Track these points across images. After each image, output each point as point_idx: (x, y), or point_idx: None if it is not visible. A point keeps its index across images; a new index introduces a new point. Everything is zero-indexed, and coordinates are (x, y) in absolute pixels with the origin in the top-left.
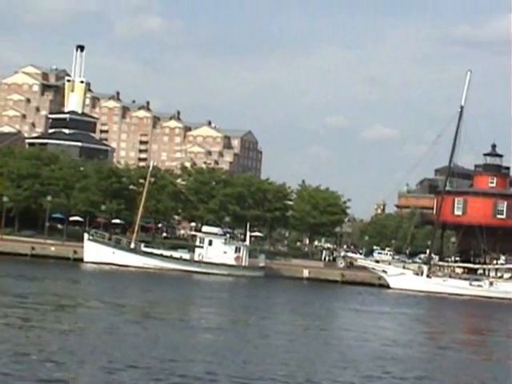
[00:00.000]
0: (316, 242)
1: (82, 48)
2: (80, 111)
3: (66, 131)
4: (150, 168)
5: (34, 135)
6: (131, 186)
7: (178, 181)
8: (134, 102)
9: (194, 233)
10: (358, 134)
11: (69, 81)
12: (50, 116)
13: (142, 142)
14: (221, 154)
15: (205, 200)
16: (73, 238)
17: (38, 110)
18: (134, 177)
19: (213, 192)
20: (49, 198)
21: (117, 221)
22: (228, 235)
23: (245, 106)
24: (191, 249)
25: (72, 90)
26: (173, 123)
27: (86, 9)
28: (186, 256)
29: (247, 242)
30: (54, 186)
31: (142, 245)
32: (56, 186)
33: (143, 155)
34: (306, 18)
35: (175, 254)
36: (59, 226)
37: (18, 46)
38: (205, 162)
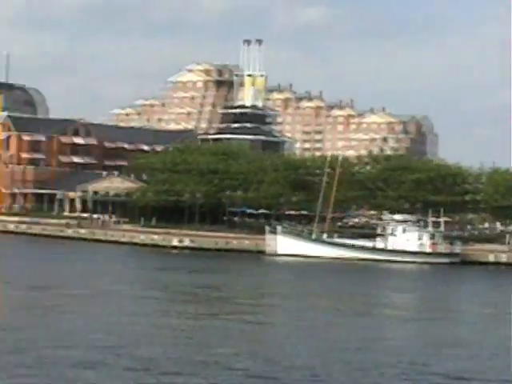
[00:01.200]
0: (498, 225)
1: (259, 42)
2: (256, 104)
3: (242, 125)
4: (340, 158)
5: (212, 131)
6: (312, 177)
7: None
8: (306, 92)
9: (386, 221)
10: None
11: (249, 75)
12: (224, 111)
13: (315, 132)
14: (396, 140)
15: (394, 187)
16: (254, 230)
17: (206, 105)
18: (319, 168)
19: (401, 178)
20: (234, 192)
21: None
22: (422, 222)
23: (415, 89)
24: (384, 237)
25: (248, 84)
26: (346, 111)
27: (247, 3)
28: (380, 245)
29: (442, 229)
30: (237, 180)
31: (335, 235)
32: (239, 180)
33: (318, 145)
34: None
35: (368, 244)
36: (236, 219)
37: (183, 44)
38: (381, 150)
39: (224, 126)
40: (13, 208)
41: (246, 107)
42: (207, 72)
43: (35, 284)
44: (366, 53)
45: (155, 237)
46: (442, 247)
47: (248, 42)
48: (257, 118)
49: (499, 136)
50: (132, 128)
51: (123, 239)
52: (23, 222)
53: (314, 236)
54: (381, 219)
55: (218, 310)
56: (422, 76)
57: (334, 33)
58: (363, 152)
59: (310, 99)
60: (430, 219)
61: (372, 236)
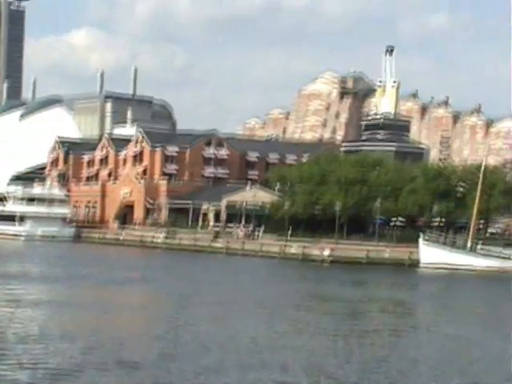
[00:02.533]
0: None
1: (391, 49)
2: (393, 113)
3: (380, 135)
4: (483, 167)
5: (350, 140)
6: (458, 187)
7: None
8: (432, 99)
9: None
10: None
11: (380, 84)
12: (363, 121)
13: (442, 140)
14: None
15: None
16: (403, 241)
17: (337, 115)
18: (462, 176)
19: None
20: (378, 203)
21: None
22: None
23: None
24: None
25: (384, 93)
26: (474, 118)
27: (368, 13)
28: None
29: None
30: (381, 190)
31: (479, 245)
32: (384, 190)
33: (445, 153)
34: None
35: None
36: (382, 230)
37: (308, 54)
38: None
39: (366, 135)
40: (146, 221)
41: (387, 117)
42: (340, 81)
43: None
44: (488, 58)
45: (305, 249)
46: None
47: (391, 50)
48: (396, 128)
49: None
50: (269, 140)
51: (275, 252)
52: (171, 236)
53: (467, 246)
54: None
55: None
56: None
57: (458, 38)
58: (494, 159)
59: (437, 106)
60: None
61: None
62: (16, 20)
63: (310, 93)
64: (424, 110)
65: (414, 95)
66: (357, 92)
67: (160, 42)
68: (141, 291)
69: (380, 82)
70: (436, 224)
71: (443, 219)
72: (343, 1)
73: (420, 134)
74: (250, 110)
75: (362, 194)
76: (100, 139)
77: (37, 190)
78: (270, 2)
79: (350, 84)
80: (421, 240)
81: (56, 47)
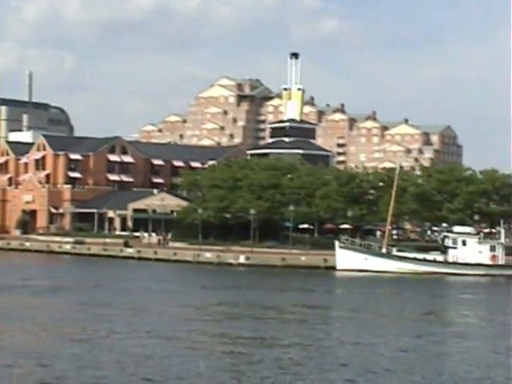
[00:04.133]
0: None
1: (296, 55)
2: (298, 119)
3: (287, 139)
4: (397, 171)
5: (260, 144)
6: (365, 190)
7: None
8: (328, 105)
9: (445, 234)
10: None
11: (285, 89)
12: (270, 126)
13: (339, 145)
14: (420, 151)
15: (448, 199)
16: (316, 245)
17: (235, 121)
18: (374, 181)
19: (456, 191)
20: (291, 207)
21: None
22: (482, 234)
23: (435, 100)
24: (443, 250)
25: (289, 98)
26: (369, 123)
27: (262, 16)
28: (440, 258)
29: (502, 240)
30: (294, 195)
31: (394, 249)
32: (297, 194)
33: (341, 158)
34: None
35: (429, 257)
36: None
37: (200, 59)
38: (416, 161)
39: (272, 140)
40: (50, 228)
41: (294, 121)
42: (237, 87)
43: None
44: (380, 64)
45: (221, 254)
46: (503, 259)
47: (295, 55)
48: (302, 132)
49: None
50: (172, 144)
51: (189, 258)
52: (79, 243)
53: (383, 250)
54: (431, 231)
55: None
56: (440, 86)
57: (351, 45)
58: (388, 164)
59: (333, 112)
60: (499, 231)
61: (431, 249)
62: None
63: (207, 98)
64: (320, 115)
65: (311, 101)
66: (254, 97)
67: (49, 46)
68: (57, 301)
69: (285, 88)
70: (343, 228)
71: (350, 224)
72: (235, 6)
73: (317, 139)
74: (142, 115)
75: (275, 199)
76: None
77: None
78: (160, 5)
79: (246, 89)
80: (337, 245)
81: None
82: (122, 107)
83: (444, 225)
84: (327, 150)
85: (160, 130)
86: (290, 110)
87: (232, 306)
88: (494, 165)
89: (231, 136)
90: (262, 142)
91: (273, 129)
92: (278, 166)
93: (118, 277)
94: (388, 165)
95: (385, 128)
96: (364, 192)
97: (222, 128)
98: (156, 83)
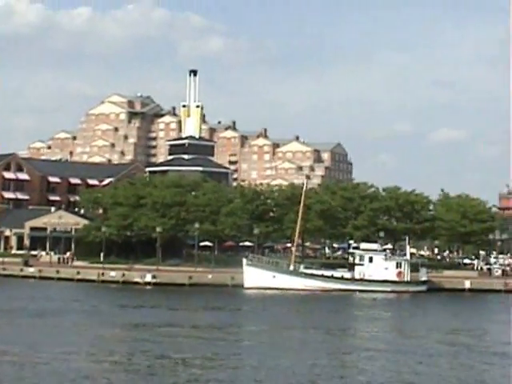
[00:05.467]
0: (455, 253)
1: (194, 72)
2: (197, 136)
3: (186, 156)
4: (304, 187)
5: (159, 162)
6: (270, 207)
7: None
8: (219, 122)
9: (352, 250)
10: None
11: (184, 106)
12: (169, 143)
13: (231, 162)
14: (312, 169)
15: (352, 216)
16: (221, 263)
17: (126, 137)
18: (278, 198)
19: (360, 208)
20: (197, 225)
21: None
22: (388, 251)
23: (325, 118)
24: (350, 267)
25: (188, 115)
26: (261, 141)
27: (150, 33)
28: (347, 275)
29: (408, 257)
30: (199, 212)
31: (302, 266)
32: (202, 212)
33: (233, 175)
34: (363, 24)
35: (336, 274)
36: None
37: (88, 77)
38: (308, 178)
39: (171, 157)
40: None
41: (193, 138)
42: (128, 104)
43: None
44: (267, 82)
45: (126, 273)
46: (408, 276)
47: (194, 72)
48: (201, 149)
49: (398, 162)
50: (68, 162)
51: (93, 277)
52: None
53: (291, 267)
54: (335, 249)
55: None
56: (328, 105)
57: (237, 63)
58: (280, 182)
59: (225, 129)
60: (407, 248)
61: (338, 266)
62: None
63: (97, 115)
64: (212, 132)
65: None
66: (145, 114)
67: None
68: None
69: (184, 105)
70: (243, 245)
71: (255, 241)
72: (123, 23)
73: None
74: (28, 132)
75: (179, 217)
76: None
77: None
78: (46, 20)
79: (137, 107)
80: (244, 262)
81: None
82: (6, 123)
83: (351, 242)
84: (226, 168)
85: (49, 147)
86: (189, 127)
87: (142, 326)
88: (381, 182)
89: (122, 153)
90: (153, 159)
91: (171, 146)
92: (182, 183)
93: (25, 297)
94: (280, 182)
95: (276, 145)
96: (269, 209)
97: (113, 145)
98: (42, 99)
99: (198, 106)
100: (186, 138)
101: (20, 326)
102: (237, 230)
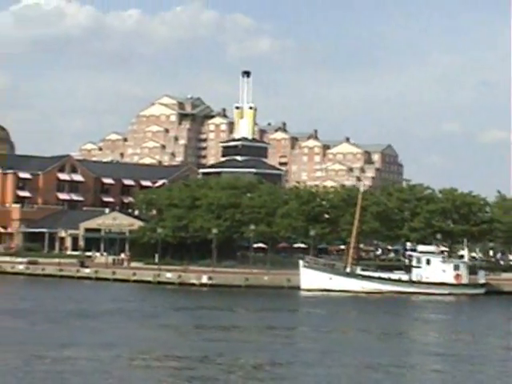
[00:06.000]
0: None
1: (247, 74)
2: (251, 137)
3: (239, 158)
4: (361, 189)
5: (209, 163)
6: (326, 209)
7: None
8: (269, 124)
9: (409, 253)
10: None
11: (238, 108)
12: (222, 144)
13: (281, 164)
14: (362, 170)
15: (408, 218)
16: (276, 264)
17: (176, 139)
18: (333, 199)
19: (416, 209)
20: (252, 226)
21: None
22: (445, 253)
23: (375, 119)
24: (407, 269)
25: (241, 117)
26: (311, 142)
27: (198, 35)
28: (404, 277)
29: (466, 259)
30: (254, 214)
31: (358, 268)
32: (257, 213)
33: (293, 176)
34: (412, 25)
35: (393, 276)
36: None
37: (137, 78)
38: (358, 179)
39: (224, 159)
40: None
41: (246, 140)
42: (178, 106)
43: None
44: (317, 83)
45: (182, 274)
46: (467, 278)
47: (247, 73)
48: (255, 151)
49: (448, 163)
50: (121, 163)
51: (149, 278)
52: (34, 263)
53: (348, 269)
54: (387, 250)
55: None
56: (377, 106)
57: (285, 64)
58: (330, 183)
59: (275, 131)
60: (465, 250)
61: (394, 268)
62: None
63: (148, 117)
64: (262, 134)
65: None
66: (195, 116)
67: None
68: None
69: (237, 106)
70: (296, 247)
71: (311, 243)
72: (172, 25)
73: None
74: (80, 133)
75: (234, 219)
76: None
77: None
78: (97, 23)
79: (188, 108)
80: (301, 264)
81: None
82: (57, 125)
83: (408, 243)
84: (279, 169)
85: (100, 149)
86: (242, 128)
87: (203, 327)
88: (431, 183)
89: (172, 154)
90: (203, 161)
91: (224, 147)
92: (237, 184)
93: (85, 299)
94: (330, 183)
95: (326, 147)
96: (324, 211)
97: (164, 147)
98: (92, 101)
99: (251, 108)
100: (239, 139)
101: (81, 327)
102: (292, 232)
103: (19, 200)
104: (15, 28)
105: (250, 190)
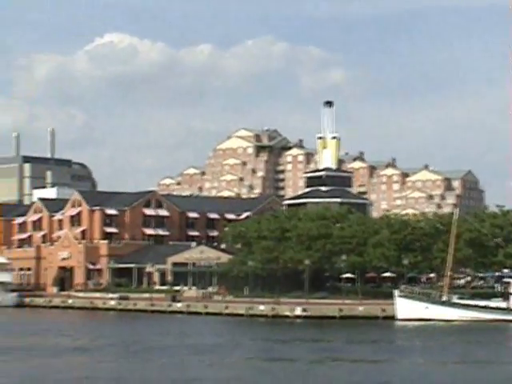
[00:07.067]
0: None
1: (329, 103)
2: (334, 167)
3: (324, 188)
4: (456, 216)
5: (288, 194)
6: (418, 237)
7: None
8: (347, 153)
9: (507, 279)
10: None
11: (321, 138)
12: (306, 175)
13: (360, 193)
14: (442, 197)
15: (502, 245)
16: (367, 295)
17: (254, 171)
18: (425, 227)
19: (510, 235)
20: (344, 257)
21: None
22: None
23: (451, 145)
24: (505, 297)
25: (324, 147)
26: (390, 171)
27: (270, 68)
28: (503, 305)
29: None
30: (345, 244)
31: (454, 297)
32: (348, 244)
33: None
34: (483, 50)
35: (491, 304)
36: (343, 284)
37: (209, 112)
38: (439, 207)
39: (308, 189)
40: (88, 284)
41: (330, 170)
42: (255, 138)
43: None
44: (389, 111)
45: (276, 306)
46: None
47: (329, 103)
48: (338, 181)
49: None
50: (204, 197)
51: (241, 311)
52: (125, 298)
53: (444, 298)
54: (478, 278)
55: None
56: (454, 131)
57: (355, 93)
58: (410, 211)
59: (353, 160)
60: None
61: (490, 296)
62: None
63: (224, 150)
64: (340, 163)
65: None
66: (272, 148)
67: (58, 103)
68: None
69: (320, 137)
70: (385, 276)
71: (405, 271)
72: (243, 57)
73: None
74: (152, 169)
75: (324, 249)
76: (20, 202)
77: None
78: (169, 59)
79: (264, 140)
80: (396, 294)
81: None
82: (131, 161)
83: (505, 270)
84: (365, 198)
85: (178, 183)
86: (326, 158)
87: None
88: None
89: (251, 187)
90: (282, 192)
91: (308, 178)
92: (327, 215)
93: (188, 333)
94: (410, 211)
95: (405, 175)
96: (416, 239)
97: (241, 179)
98: (164, 136)
99: (334, 138)
100: (323, 169)
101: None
102: (384, 261)
103: (106, 236)
104: (89, 67)
105: (339, 220)
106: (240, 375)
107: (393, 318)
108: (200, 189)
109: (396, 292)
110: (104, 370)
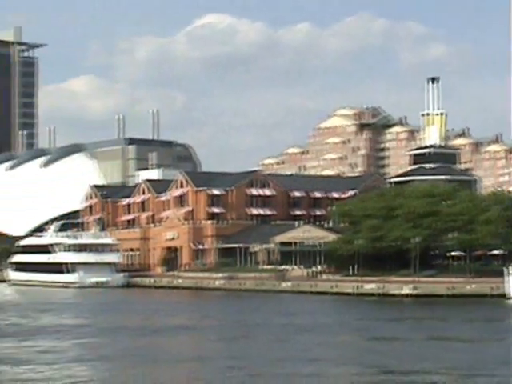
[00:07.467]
0: None
1: (434, 80)
2: (440, 144)
3: (429, 166)
4: None
5: (392, 172)
6: None
7: None
8: (452, 129)
9: None
10: None
11: (426, 114)
12: (412, 152)
13: (465, 170)
14: None
15: None
16: (477, 273)
17: (356, 149)
18: None
19: None
20: (453, 234)
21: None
22: None
23: None
24: None
25: (430, 124)
26: (495, 147)
27: (369, 45)
28: None
29: None
30: (454, 222)
31: None
32: (455, 221)
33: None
34: None
35: None
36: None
37: (309, 91)
38: None
39: (414, 167)
40: (194, 264)
41: (435, 147)
42: (357, 116)
43: None
44: (494, 86)
45: (385, 285)
46: None
47: (435, 79)
48: (445, 158)
49: None
50: (306, 176)
51: (349, 290)
52: (232, 278)
53: None
54: None
55: None
56: None
57: (458, 68)
58: None
59: (458, 136)
60: None
61: None
62: (27, 68)
63: (326, 129)
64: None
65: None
66: (374, 125)
67: (158, 85)
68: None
69: (426, 113)
70: (493, 254)
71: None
72: (342, 35)
73: None
74: (251, 149)
75: (432, 227)
76: (124, 184)
77: (86, 238)
78: (268, 39)
79: (367, 118)
80: (508, 271)
81: (57, 95)
82: (231, 141)
83: None
84: (471, 175)
85: (279, 163)
86: (432, 135)
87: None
88: None
89: (353, 165)
90: (385, 170)
91: (414, 155)
92: (434, 192)
93: (297, 312)
94: None
95: (511, 151)
96: None
97: (343, 158)
98: (264, 116)
99: (441, 114)
100: (429, 146)
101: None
102: (494, 239)
103: (211, 216)
104: (189, 48)
105: (447, 197)
106: (349, 355)
107: (503, 296)
108: (301, 168)
109: (508, 270)
110: (218, 350)
